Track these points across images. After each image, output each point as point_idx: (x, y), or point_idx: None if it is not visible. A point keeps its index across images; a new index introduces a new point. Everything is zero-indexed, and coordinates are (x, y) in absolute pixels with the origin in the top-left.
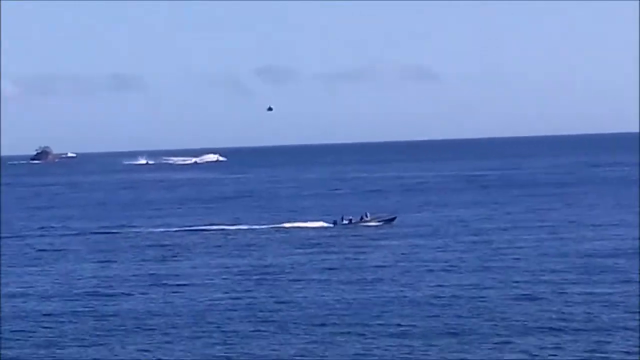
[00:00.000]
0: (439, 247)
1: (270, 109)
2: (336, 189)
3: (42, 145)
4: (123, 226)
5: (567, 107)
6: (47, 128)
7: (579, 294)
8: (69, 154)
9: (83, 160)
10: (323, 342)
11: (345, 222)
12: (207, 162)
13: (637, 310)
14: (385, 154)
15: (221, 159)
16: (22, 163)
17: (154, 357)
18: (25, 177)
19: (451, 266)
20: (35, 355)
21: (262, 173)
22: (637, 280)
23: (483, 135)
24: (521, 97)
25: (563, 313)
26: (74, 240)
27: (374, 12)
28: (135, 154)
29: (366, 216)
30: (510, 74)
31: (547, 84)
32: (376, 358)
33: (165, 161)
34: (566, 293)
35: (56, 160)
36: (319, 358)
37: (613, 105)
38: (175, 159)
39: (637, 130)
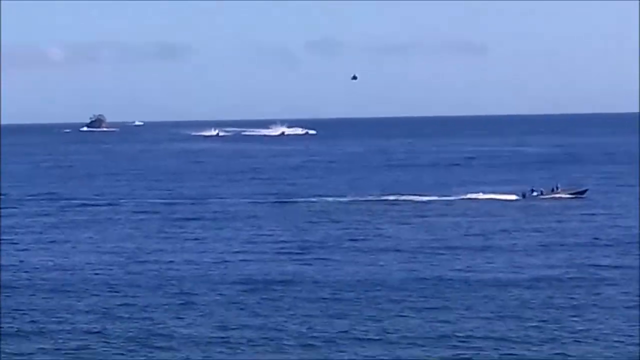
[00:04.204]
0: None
1: (354, 77)
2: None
3: (96, 114)
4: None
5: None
6: (95, 95)
7: None
8: (136, 122)
9: (147, 130)
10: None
11: (535, 194)
12: (295, 134)
13: None
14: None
15: (311, 132)
16: (83, 131)
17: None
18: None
19: None
20: None
21: (374, 145)
22: None
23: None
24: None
25: None
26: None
27: None
28: (196, 124)
29: (557, 188)
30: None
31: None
32: None
33: (243, 133)
34: None
35: (114, 129)
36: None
37: None
38: (257, 130)
39: None
